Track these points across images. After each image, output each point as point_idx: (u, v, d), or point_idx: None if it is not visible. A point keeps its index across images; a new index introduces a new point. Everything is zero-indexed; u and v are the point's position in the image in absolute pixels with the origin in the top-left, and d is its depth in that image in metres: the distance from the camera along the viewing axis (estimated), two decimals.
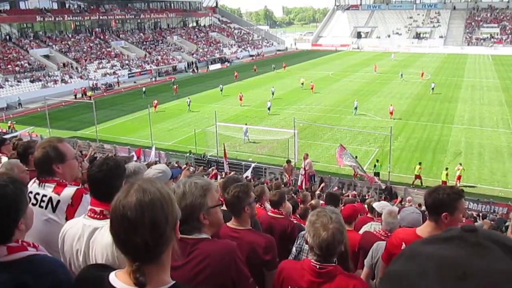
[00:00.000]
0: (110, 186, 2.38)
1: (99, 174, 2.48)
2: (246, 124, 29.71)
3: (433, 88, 43.81)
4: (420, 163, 22.27)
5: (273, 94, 42.81)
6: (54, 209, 2.73)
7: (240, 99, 39.88)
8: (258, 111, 37.07)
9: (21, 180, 2.14)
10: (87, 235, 2.32)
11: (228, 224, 3.15)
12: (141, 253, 1.44)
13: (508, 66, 63.41)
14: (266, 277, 3.07)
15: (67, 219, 2.66)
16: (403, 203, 16.32)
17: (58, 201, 2.74)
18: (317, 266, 2.50)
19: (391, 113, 34.18)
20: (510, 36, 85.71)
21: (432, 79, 51.02)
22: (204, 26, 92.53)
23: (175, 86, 47.58)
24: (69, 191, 2.78)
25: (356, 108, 35.59)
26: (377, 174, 21.67)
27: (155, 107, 38.02)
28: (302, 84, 48.25)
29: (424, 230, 3.12)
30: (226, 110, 37.62)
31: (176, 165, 18.56)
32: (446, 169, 21.76)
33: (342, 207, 6.37)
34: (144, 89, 46.82)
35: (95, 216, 2.37)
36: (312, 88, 45.71)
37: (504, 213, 17.09)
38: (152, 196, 1.45)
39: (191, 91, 47.49)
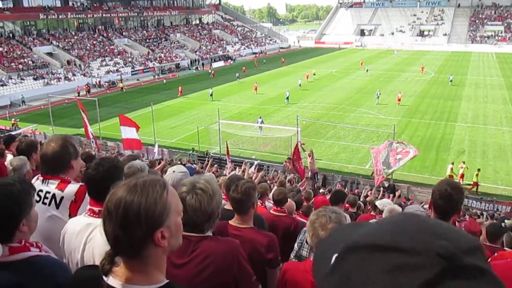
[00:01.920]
0: (107, 187, 2.38)
1: (96, 176, 2.49)
2: (260, 118, 30.51)
3: (451, 80, 46.62)
4: (479, 170, 21.20)
5: (300, 86, 45.78)
6: (57, 206, 2.74)
7: (256, 89, 43.76)
8: (261, 109, 37.03)
9: (30, 182, 2.14)
10: (86, 233, 2.34)
11: (230, 222, 3.14)
12: (115, 244, 1.47)
13: None
14: (268, 275, 3.07)
15: (70, 216, 2.67)
16: (407, 202, 16.23)
17: (62, 198, 2.75)
18: None
19: (399, 99, 37.31)
20: None
21: (436, 77, 51.08)
22: (207, 23, 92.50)
23: (213, 72, 57.40)
24: (72, 187, 2.79)
25: (378, 97, 38.50)
26: None
27: (181, 92, 43.86)
28: (314, 74, 52.25)
29: None
30: (229, 108, 37.61)
31: (180, 162, 18.54)
32: (478, 170, 21.11)
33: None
34: (165, 81, 51.13)
35: (95, 215, 2.38)
36: (307, 78, 50.23)
37: (508, 212, 17.04)
38: (135, 195, 1.46)
39: (194, 88, 47.52)
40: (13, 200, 1.86)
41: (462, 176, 21.70)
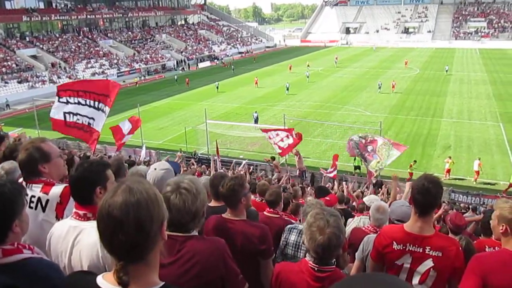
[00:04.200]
0: (85, 190, 2.39)
1: (73, 179, 2.46)
2: (256, 112, 31.64)
3: (447, 70, 50.49)
4: None
5: (308, 77, 49.56)
6: (44, 209, 2.73)
7: (256, 83, 46.80)
8: (248, 108, 37.01)
9: (21, 183, 2.13)
10: (72, 236, 2.33)
11: (224, 215, 3.22)
12: (126, 252, 1.45)
13: (495, 59, 64.04)
14: (262, 266, 3.15)
15: (57, 217, 2.66)
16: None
17: (47, 200, 2.74)
18: (315, 269, 2.47)
19: (393, 86, 41.36)
20: (497, 30, 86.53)
21: (421, 73, 51.66)
22: (193, 23, 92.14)
23: (224, 63, 67.30)
24: (57, 189, 2.78)
25: (380, 87, 41.88)
26: (357, 167, 22.07)
27: (188, 83, 48.69)
28: (308, 66, 57.37)
29: (414, 226, 3.01)
30: (216, 108, 37.54)
31: None
32: None
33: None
34: (176, 77, 53.99)
35: (80, 218, 2.38)
36: (290, 68, 55.85)
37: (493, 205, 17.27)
38: (138, 196, 1.46)
39: (181, 89, 47.35)
40: (5, 200, 1.86)
41: (449, 171, 21.94)
